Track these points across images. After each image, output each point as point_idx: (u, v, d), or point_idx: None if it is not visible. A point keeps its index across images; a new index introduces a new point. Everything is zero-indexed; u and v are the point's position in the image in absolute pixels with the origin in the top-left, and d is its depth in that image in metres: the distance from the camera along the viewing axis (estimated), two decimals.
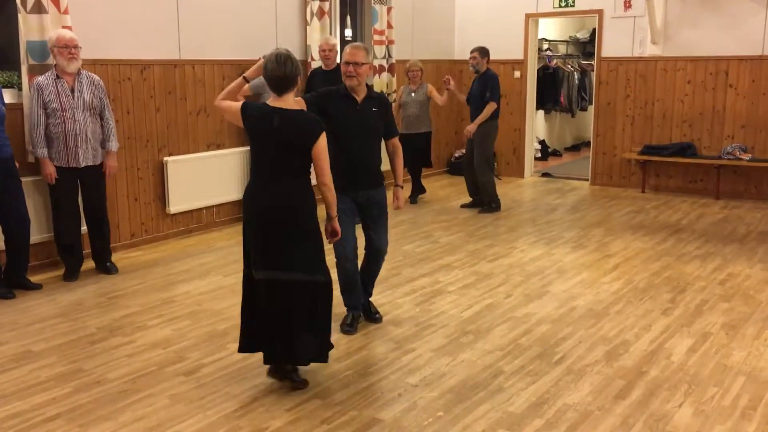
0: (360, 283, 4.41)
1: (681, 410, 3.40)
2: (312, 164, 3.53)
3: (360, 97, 4.20)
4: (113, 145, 5.51)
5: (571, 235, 6.79)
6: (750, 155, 8.26)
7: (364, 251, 4.47)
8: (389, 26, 8.77)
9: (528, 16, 9.63)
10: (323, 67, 7.24)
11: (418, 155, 8.12)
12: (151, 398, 3.55)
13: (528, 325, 4.49)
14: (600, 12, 9.11)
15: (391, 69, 8.86)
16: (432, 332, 4.38)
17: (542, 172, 10.38)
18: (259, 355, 4.02)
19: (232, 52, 7.02)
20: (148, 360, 4.00)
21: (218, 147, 7.01)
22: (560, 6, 9.42)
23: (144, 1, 6.21)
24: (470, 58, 7.65)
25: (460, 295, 5.08)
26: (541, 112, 11.84)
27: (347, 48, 4.16)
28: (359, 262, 4.42)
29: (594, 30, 9.99)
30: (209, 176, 6.87)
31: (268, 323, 3.54)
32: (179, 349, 4.15)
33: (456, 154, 10.23)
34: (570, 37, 12.88)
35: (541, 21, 10.54)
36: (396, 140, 4.43)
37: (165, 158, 6.50)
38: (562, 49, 12.63)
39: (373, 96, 4.27)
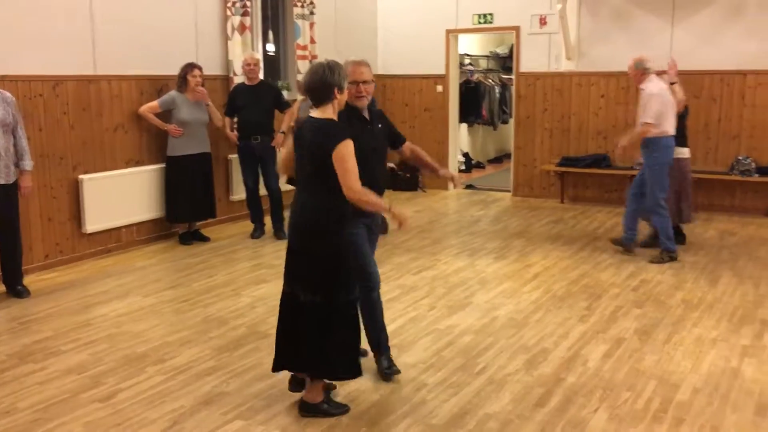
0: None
1: (596, 415, 3.51)
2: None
3: (368, 115, 3.81)
4: (27, 164, 5.31)
5: (494, 246, 6.93)
6: None
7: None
8: (312, 41, 8.78)
9: (448, 32, 9.83)
10: (246, 82, 7.18)
11: None
12: (64, 427, 3.42)
13: (451, 337, 4.56)
14: (517, 29, 9.38)
15: None
16: None
17: (466, 184, 10.57)
18: (183, 377, 3.97)
19: (150, 66, 6.87)
20: (61, 387, 3.85)
21: (137, 164, 6.84)
22: (479, 23, 9.65)
23: (55, 14, 6.03)
24: None
25: (384, 308, 5.07)
26: (464, 126, 12.07)
27: (350, 65, 3.67)
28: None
29: (513, 45, 10.28)
30: (128, 194, 6.70)
31: (290, 337, 3.51)
32: (95, 375, 4.01)
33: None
34: (490, 52, 13.20)
35: (462, 37, 10.76)
36: (409, 143, 4.13)
37: (80, 176, 6.30)
38: (483, 63, 12.93)
39: (374, 111, 3.88)
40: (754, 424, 3.42)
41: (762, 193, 8.28)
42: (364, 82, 3.67)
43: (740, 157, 8.23)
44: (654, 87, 6.21)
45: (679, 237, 6.71)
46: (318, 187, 3.39)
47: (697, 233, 7.39)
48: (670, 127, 6.17)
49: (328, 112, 3.39)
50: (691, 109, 8.55)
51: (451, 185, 4.66)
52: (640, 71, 6.34)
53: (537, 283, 5.69)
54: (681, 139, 6.41)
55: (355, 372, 3.57)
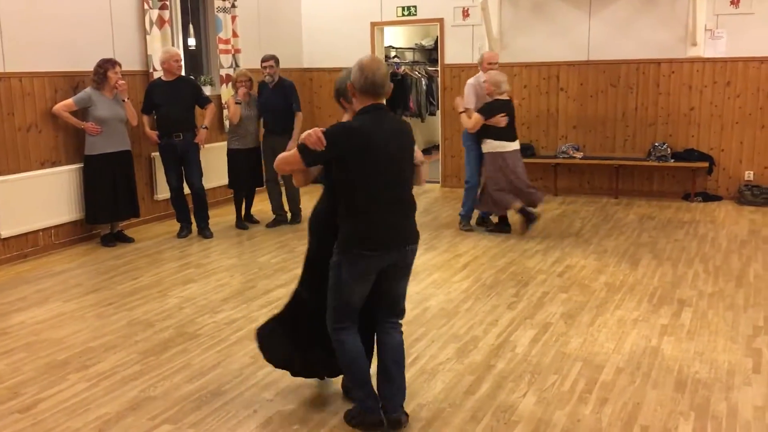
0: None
1: (525, 399, 3.59)
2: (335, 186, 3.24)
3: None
4: None
5: (424, 237, 6.93)
6: (582, 153, 8.89)
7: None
8: (235, 35, 8.62)
9: (373, 24, 9.83)
10: (163, 77, 6.98)
11: (256, 173, 7.52)
12: None
13: None
14: (441, 21, 9.46)
15: None
16: None
17: None
18: (107, 383, 3.85)
19: (64, 63, 6.61)
20: None
21: (53, 164, 6.57)
22: (403, 15, 9.69)
23: None
24: (266, 66, 7.21)
25: None
26: None
27: None
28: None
29: (438, 38, 10.36)
30: (45, 196, 6.43)
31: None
32: (13, 385, 3.84)
33: None
34: (416, 44, 13.27)
35: (387, 29, 10.78)
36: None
37: None
38: (409, 56, 12.98)
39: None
40: (673, 400, 3.56)
41: (678, 177, 8.62)
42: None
43: (657, 144, 8.55)
44: None
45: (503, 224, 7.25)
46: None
47: (618, 218, 7.64)
48: None
49: (345, 117, 3.38)
50: (609, 97, 8.87)
51: None
52: None
53: (467, 273, 5.77)
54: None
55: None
